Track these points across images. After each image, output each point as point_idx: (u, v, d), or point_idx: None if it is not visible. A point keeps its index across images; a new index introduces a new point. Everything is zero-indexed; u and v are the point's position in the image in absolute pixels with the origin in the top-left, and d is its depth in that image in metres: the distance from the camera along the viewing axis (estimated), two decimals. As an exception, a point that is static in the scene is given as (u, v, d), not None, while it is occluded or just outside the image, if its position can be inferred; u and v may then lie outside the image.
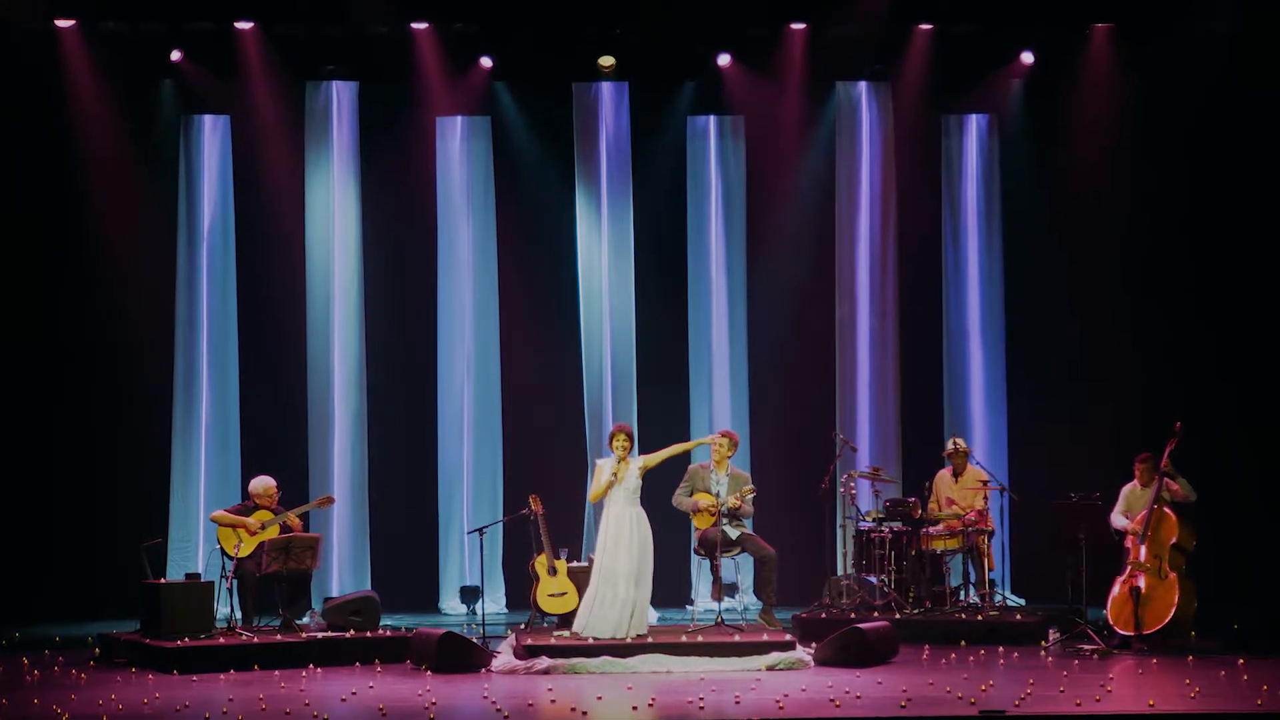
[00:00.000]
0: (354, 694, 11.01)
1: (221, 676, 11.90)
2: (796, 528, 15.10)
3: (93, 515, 15.57)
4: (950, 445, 14.53)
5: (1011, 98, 16.43)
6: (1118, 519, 13.32)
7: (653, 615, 13.53)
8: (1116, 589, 13.05)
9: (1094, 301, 16.02)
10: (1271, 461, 15.44)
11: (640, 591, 12.51)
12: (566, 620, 13.24)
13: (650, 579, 12.60)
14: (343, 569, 15.80)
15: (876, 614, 13.67)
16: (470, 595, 15.78)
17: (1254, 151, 15.53)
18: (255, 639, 12.57)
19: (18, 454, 15.55)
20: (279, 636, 12.75)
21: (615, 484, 12.63)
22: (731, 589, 14.69)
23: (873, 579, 14.16)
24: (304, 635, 12.83)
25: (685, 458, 13.57)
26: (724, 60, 16.22)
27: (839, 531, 15.00)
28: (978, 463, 14.78)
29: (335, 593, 15.33)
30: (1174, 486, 13.18)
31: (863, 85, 16.43)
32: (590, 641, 12.33)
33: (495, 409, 16.24)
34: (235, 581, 13.12)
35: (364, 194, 16.16)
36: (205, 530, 15.42)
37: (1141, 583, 12.90)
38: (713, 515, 13.41)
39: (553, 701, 10.70)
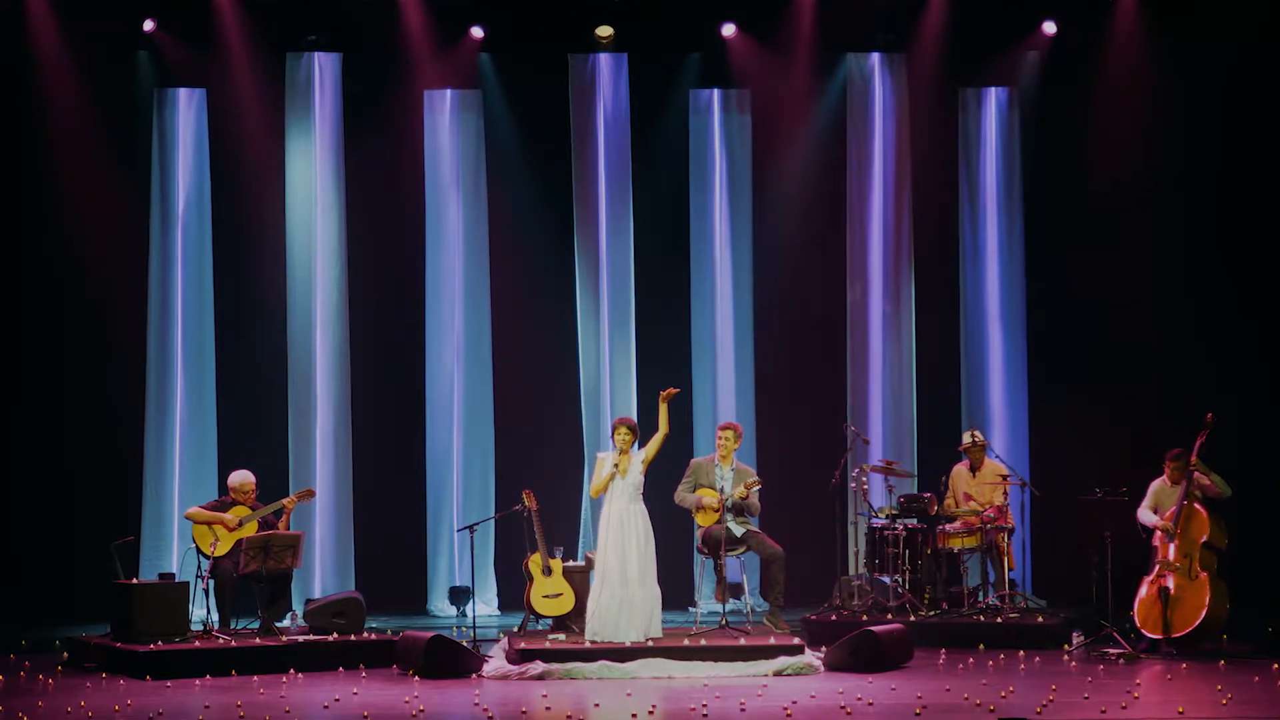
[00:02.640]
0: (337, 700, 10.99)
1: (197, 682, 11.87)
2: (805, 525, 15.06)
3: (61, 512, 15.53)
4: (967, 438, 14.48)
5: (1033, 70, 16.37)
6: (1145, 514, 13.28)
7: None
8: (1144, 590, 13.02)
9: (1121, 285, 15.96)
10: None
11: (653, 592, 12.53)
12: (562, 623, 13.22)
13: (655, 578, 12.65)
14: (325, 568, 15.77)
15: (890, 616, 13.63)
16: (460, 596, 15.75)
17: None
18: (233, 642, 12.53)
19: (-20, 447, 15.55)
20: (258, 640, 12.71)
21: (617, 477, 12.60)
22: (737, 590, 14.62)
23: (886, 579, 14.12)
24: (284, 638, 12.79)
25: (688, 451, 13.51)
26: (729, 30, 16.17)
27: (850, 529, 14.97)
28: (997, 456, 14.73)
29: (317, 593, 15.31)
30: (1205, 482, 13.13)
31: (875, 57, 16.38)
32: (588, 645, 12.31)
33: (487, 398, 16.20)
34: (211, 582, 13.08)
35: (348, 171, 16.10)
36: (180, 528, 15.39)
37: (1170, 583, 12.87)
38: (716, 511, 13.38)
39: (548, 709, 10.68)
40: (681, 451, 14.52)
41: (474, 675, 12.11)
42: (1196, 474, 13.08)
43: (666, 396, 12.73)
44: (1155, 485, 13.46)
